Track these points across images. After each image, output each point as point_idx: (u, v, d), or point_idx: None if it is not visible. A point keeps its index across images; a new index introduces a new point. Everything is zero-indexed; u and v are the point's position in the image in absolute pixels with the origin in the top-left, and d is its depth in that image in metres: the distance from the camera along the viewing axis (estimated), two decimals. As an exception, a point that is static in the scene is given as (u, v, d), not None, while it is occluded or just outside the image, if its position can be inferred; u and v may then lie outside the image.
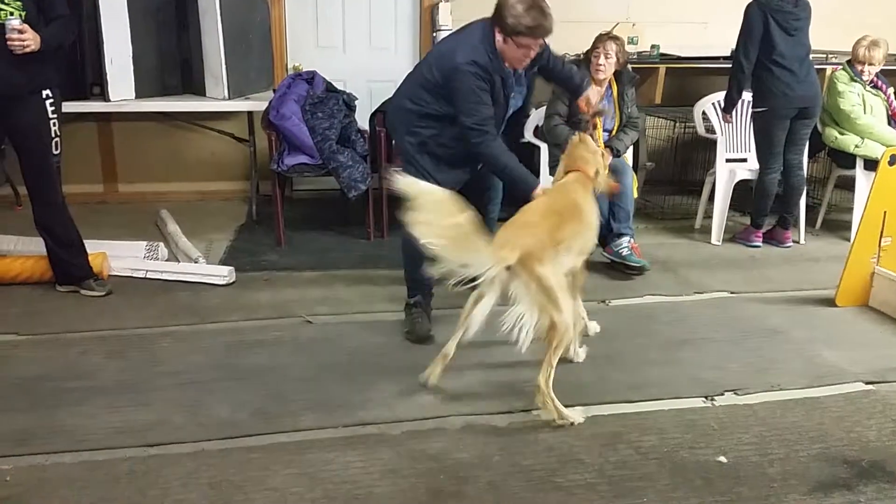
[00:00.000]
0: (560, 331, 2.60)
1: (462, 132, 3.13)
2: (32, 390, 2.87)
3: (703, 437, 2.64)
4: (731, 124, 4.86)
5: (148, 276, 3.96)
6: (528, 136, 4.75)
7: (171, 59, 4.92)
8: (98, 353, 3.18)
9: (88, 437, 2.57)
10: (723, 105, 4.73)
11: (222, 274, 3.94)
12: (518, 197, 3.11)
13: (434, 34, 5.38)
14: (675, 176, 5.73)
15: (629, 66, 4.46)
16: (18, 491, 2.30)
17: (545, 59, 3.33)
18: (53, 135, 3.58)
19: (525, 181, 3.13)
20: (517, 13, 2.93)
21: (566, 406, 2.67)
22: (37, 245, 3.86)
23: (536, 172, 4.67)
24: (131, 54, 4.62)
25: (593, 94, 3.37)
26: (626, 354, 3.26)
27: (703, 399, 2.91)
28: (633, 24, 5.62)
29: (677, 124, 5.33)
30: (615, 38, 4.26)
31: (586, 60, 4.30)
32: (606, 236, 4.21)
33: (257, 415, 2.73)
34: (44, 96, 3.52)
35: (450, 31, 4.98)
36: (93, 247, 3.89)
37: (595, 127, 3.64)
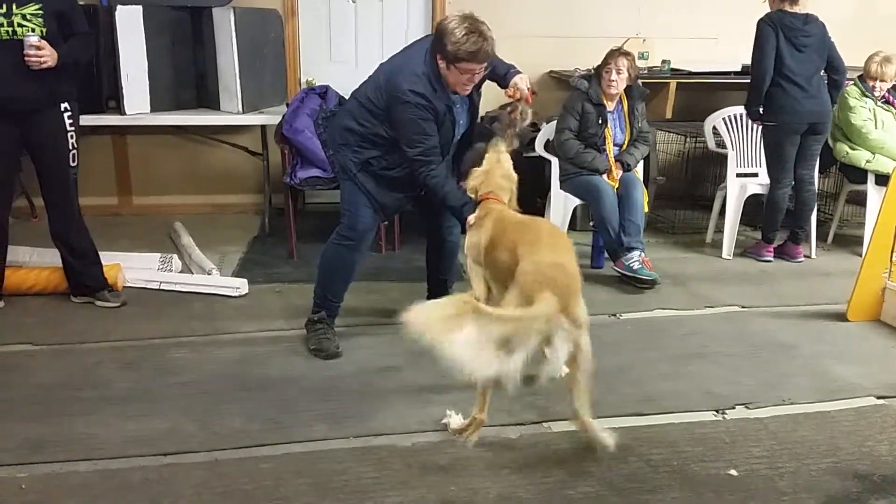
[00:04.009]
0: (588, 352, 2.45)
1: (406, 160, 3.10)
2: (47, 399, 2.90)
3: (714, 451, 2.64)
4: (753, 127, 4.85)
5: (162, 287, 4.00)
6: (539, 150, 4.78)
7: (186, 74, 4.99)
8: (112, 363, 3.21)
9: (103, 445, 2.60)
10: (749, 115, 4.71)
11: (235, 286, 3.97)
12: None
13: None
14: (686, 190, 5.74)
15: (640, 82, 4.49)
16: (33, 499, 2.33)
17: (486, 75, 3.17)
18: (71, 147, 3.63)
19: (460, 209, 3.02)
20: (456, 39, 2.83)
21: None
22: (52, 256, 3.91)
23: (547, 186, 4.70)
24: (147, 69, 4.69)
25: (521, 80, 3.12)
26: (636, 368, 3.26)
27: (714, 413, 2.91)
28: (644, 40, 5.66)
29: (688, 139, 5.34)
30: (626, 54, 4.30)
31: (597, 76, 4.33)
32: (617, 250, 4.22)
33: (269, 425, 2.75)
34: (62, 109, 3.58)
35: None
36: (107, 258, 3.94)
37: (515, 120, 3.15)
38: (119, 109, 4.66)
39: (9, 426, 2.70)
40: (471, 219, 2.93)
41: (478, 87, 3.19)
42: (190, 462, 2.52)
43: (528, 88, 3.20)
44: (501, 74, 3.24)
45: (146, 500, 2.32)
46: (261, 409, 2.85)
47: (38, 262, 4.08)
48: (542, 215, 4.58)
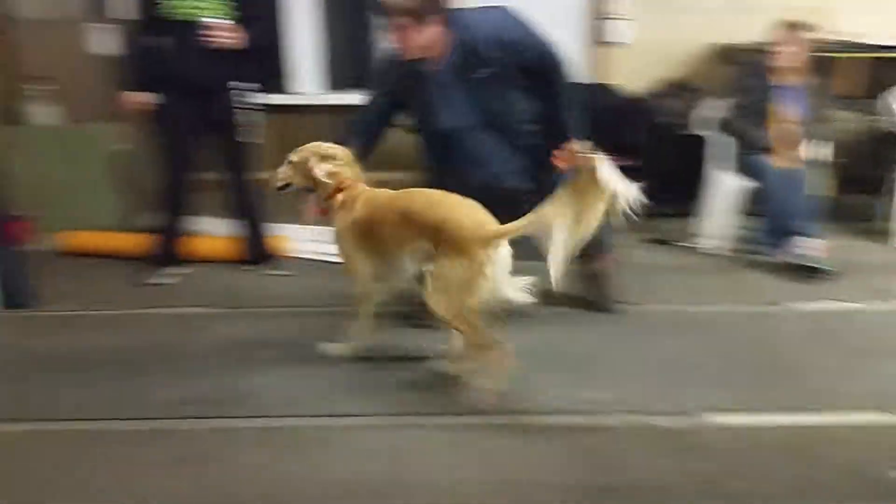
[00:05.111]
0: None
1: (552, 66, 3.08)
2: (218, 361, 3.14)
3: (883, 452, 2.49)
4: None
5: (325, 259, 4.22)
6: (698, 128, 4.61)
7: (356, 54, 5.15)
8: (280, 329, 3.43)
9: (260, 405, 2.80)
10: None
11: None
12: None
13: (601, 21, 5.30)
14: (863, 173, 5.34)
15: (817, 56, 4.21)
16: (205, 448, 2.55)
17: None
18: (246, 125, 3.89)
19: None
20: None
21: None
22: (227, 227, 4.23)
23: (702, 166, 4.52)
24: (319, 49, 4.88)
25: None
26: (799, 362, 3.11)
27: (886, 413, 2.74)
28: (819, 11, 5.29)
29: (864, 117, 4.97)
30: (801, 26, 4.05)
31: (768, 52, 4.11)
32: (785, 236, 4.02)
33: (433, 394, 2.84)
34: (238, 89, 3.83)
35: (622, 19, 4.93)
36: (276, 230, 4.20)
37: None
38: (291, 89, 4.91)
39: (189, 384, 2.96)
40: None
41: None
42: (353, 425, 2.67)
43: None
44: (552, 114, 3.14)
45: (305, 458, 2.48)
46: (423, 377, 2.96)
47: (214, 232, 4.41)
48: (690, 198, 4.43)
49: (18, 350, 3.29)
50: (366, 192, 2.94)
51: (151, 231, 4.00)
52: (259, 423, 2.70)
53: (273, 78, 5.03)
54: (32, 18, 4.99)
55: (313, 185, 2.98)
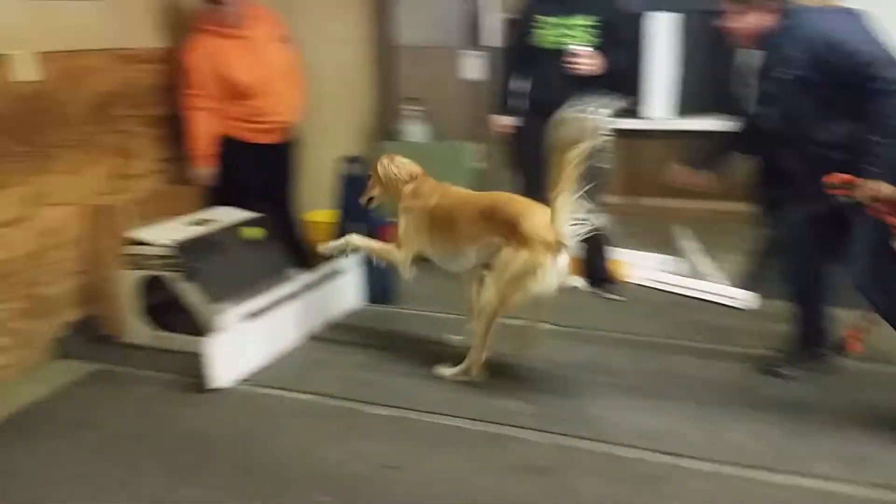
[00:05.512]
0: None
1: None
2: (563, 376, 3.20)
3: None
4: None
5: (665, 288, 4.10)
6: None
7: (709, 79, 5.00)
8: (620, 354, 3.40)
9: (609, 430, 2.76)
10: None
11: (741, 297, 3.88)
12: None
13: None
14: None
15: None
16: (551, 464, 2.58)
17: None
18: (601, 150, 3.90)
19: None
20: None
21: None
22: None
23: None
24: (673, 74, 4.82)
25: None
26: None
27: None
28: None
29: None
30: None
31: None
32: None
33: (778, 450, 2.62)
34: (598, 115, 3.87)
35: None
36: (615, 254, 4.17)
37: None
38: (641, 113, 4.88)
39: (533, 395, 3.04)
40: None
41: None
42: (691, 467, 2.53)
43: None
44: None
45: (652, 494, 2.41)
46: (767, 429, 2.74)
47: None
48: None
49: (373, 335, 3.65)
50: (443, 187, 3.24)
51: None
52: (603, 447, 2.67)
53: (630, 104, 5.03)
54: (411, 45, 5.55)
55: (389, 187, 3.31)
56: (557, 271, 2.87)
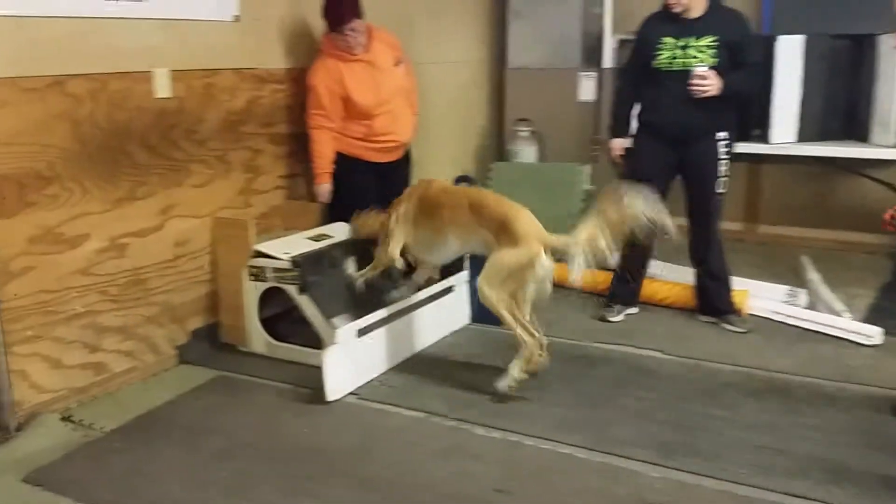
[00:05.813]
0: None
1: None
2: (676, 407, 3.11)
3: None
4: None
5: (787, 321, 3.92)
6: None
7: (836, 104, 4.80)
8: (738, 387, 3.27)
9: (727, 467, 2.65)
10: None
11: (868, 333, 3.67)
12: None
13: None
14: None
15: None
16: (665, 499, 2.50)
17: None
18: (721, 174, 3.80)
19: None
20: None
21: None
22: (680, 273, 4.18)
23: None
24: (799, 98, 4.65)
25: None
26: None
27: None
28: None
29: None
30: None
31: None
32: None
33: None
34: (719, 138, 3.77)
35: None
36: (734, 284, 4.02)
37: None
38: (763, 138, 4.72)
39: (646, 425, 2.97)
40: None
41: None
42: (818, 512, 2.41)
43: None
44: None
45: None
46: (899, 475, 2.58)
47: (665, 276, 4.39)
48: None
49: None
50: (440, 182, 3.50)
51: (614, 269, 4.11)
52: (725, 486, 2.57)
53: (750, 127, 4.88)
54: (525, 66, 5.57)
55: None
56: (549, 270, 3.07)
